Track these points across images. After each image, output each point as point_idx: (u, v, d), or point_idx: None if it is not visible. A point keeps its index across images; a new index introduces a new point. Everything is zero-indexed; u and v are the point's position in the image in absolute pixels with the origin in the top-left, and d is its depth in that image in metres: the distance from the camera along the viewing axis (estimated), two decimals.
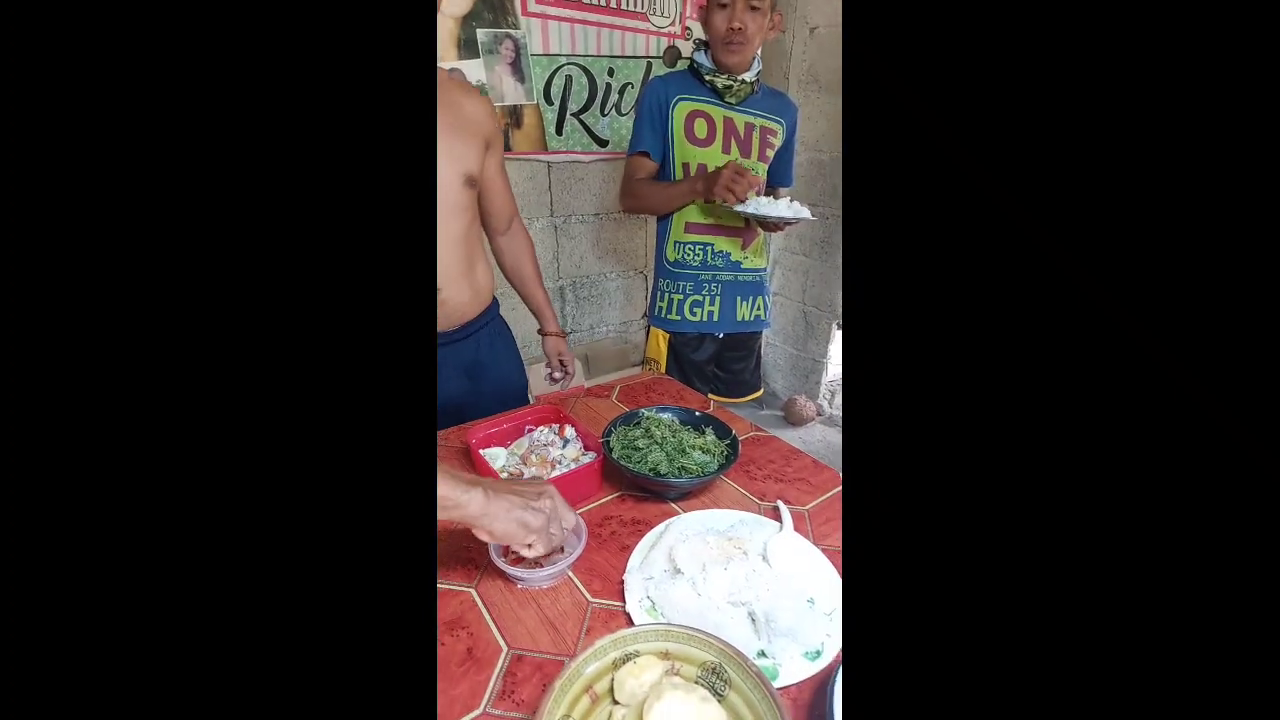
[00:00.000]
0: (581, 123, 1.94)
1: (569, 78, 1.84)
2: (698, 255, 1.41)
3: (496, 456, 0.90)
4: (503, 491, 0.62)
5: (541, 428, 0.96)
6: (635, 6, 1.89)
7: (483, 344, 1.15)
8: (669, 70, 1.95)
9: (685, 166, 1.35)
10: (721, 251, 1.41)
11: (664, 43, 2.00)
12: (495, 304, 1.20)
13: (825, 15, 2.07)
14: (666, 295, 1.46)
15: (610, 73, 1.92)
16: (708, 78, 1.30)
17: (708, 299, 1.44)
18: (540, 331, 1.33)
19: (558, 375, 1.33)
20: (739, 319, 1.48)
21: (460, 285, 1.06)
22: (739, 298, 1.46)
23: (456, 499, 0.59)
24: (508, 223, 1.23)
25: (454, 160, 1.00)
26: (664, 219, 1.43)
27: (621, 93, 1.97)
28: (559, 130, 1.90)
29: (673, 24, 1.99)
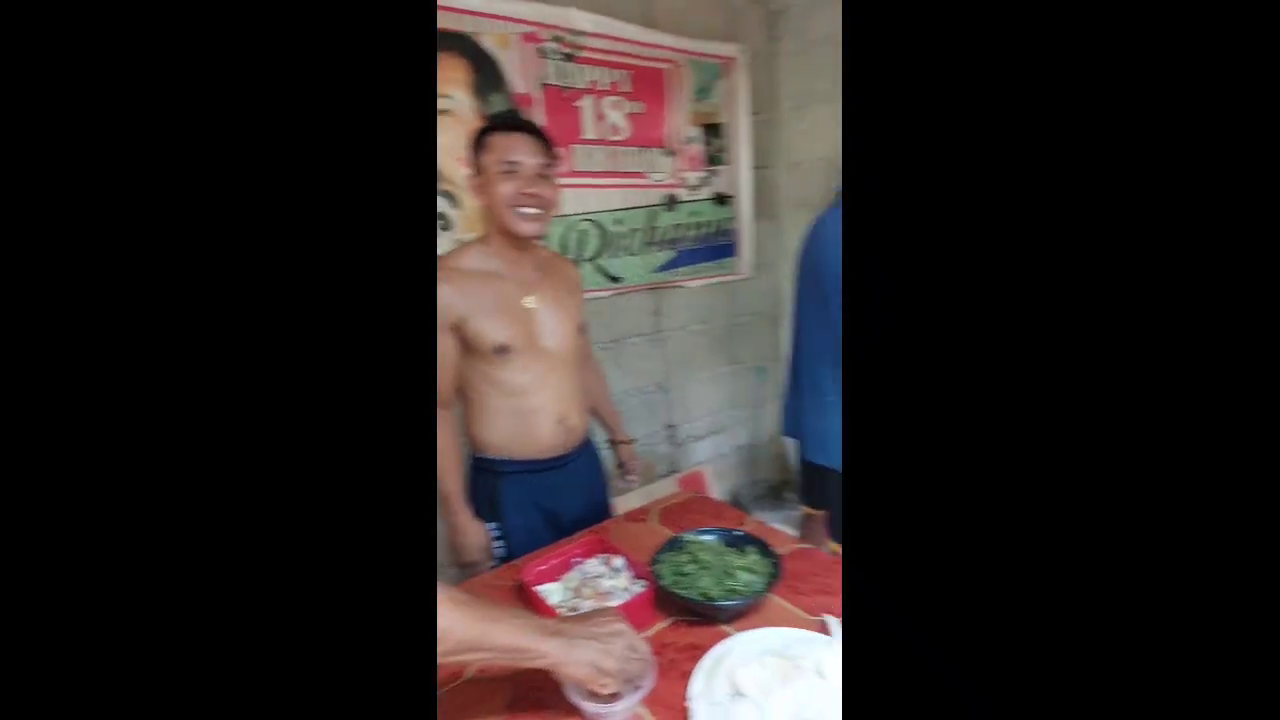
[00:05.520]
0: (597, 266, 2.15)
1: (582, 231, 2.08)
2: None
3: (552, 593, 0.94)
4: (579, 635, 0.65)
5: (590, 559, 1.01)
6: (634, 168, 2.18)
7: (587, 460, 1.36)
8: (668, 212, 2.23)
9: None
10: None
11: (662, 194, 2.27)
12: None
13: (803, 152, 2.42)
14: None
15: (618, 221, 2.17)
16: None
17: None
18: (609, 441, 1.53)
19: (630, 478, 1.53)
20: None
21: (580, 411, 1.30)
22: None
23: (540, 650, 0.63)
24: (586, 356, 1.48)
25: (570, 315, 1.25)
26: None
27: (629, 237, 2.21)
28: None
29: (669, 176, 2.27)
